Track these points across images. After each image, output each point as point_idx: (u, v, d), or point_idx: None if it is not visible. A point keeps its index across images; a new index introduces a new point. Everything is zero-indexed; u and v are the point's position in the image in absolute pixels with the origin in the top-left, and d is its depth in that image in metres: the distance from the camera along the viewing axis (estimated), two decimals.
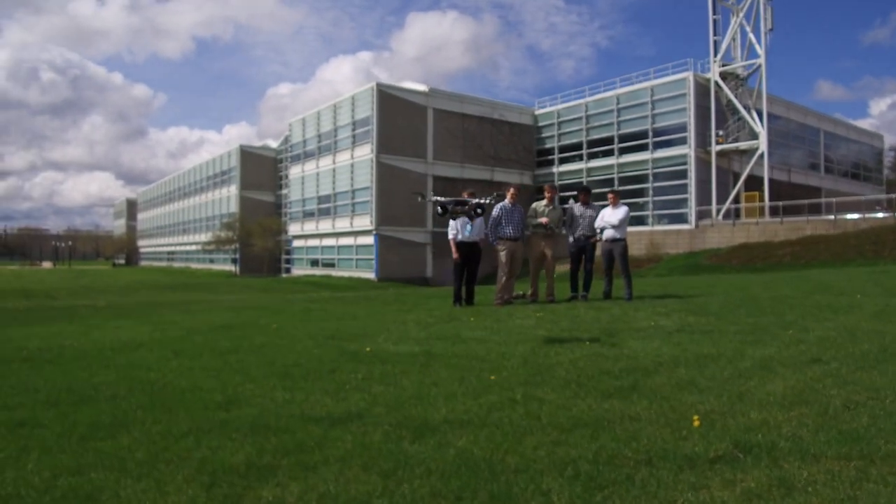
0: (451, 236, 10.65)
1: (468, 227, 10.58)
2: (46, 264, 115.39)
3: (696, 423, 3.63)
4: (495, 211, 10.88)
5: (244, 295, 27.65)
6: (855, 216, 36.83)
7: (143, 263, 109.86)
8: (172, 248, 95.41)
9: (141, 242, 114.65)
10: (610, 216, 10.91)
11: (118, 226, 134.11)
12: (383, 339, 6.91)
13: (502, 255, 10.74)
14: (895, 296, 10.52)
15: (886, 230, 32.42)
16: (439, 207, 7.49)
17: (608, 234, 10.90)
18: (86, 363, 6.09)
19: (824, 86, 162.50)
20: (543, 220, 10.96)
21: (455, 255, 10.55)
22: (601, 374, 4.89)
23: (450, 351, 6.04)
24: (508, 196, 10.94)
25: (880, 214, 37.02)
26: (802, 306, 9.15)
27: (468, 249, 10.61)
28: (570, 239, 11.24)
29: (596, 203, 11.59)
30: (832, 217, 37.55)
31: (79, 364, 6.05)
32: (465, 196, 10.74)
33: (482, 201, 7.60)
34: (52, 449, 3.44)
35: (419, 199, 6.41)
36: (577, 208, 11.29)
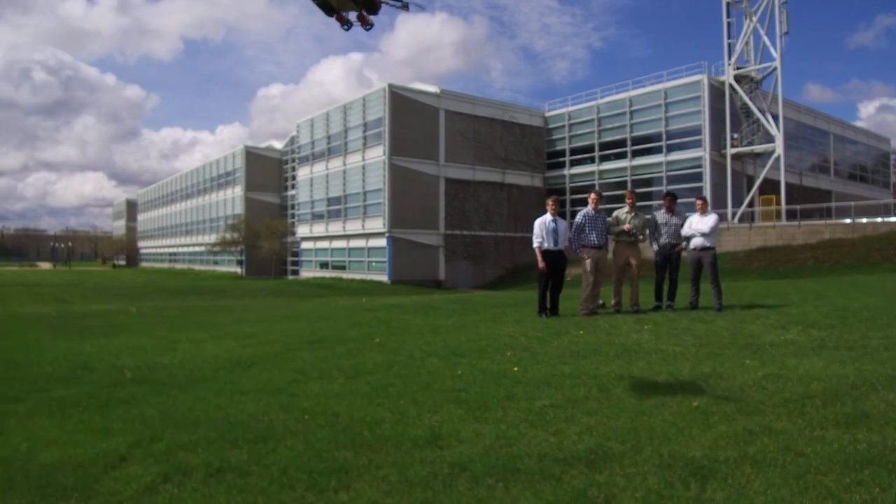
0: (536, 245, 10.26)
1: (554, 235, 10.19)
2: (44, 265, 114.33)
3: None
4: (578, 218, 10.55)
5: (269, 300, 27.14)
6: (877, 220, 36.60)
7: (144, 265, 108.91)
8: (174, 250, 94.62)
9: (141, 243, 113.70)
10: (699, 224, 10.58)
11: (118, 227, 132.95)
12: (513, 357, 6.54)
13: (587, 263, 10.38)
14: None
15: None
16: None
17: (697, 242, 10.56)
18: (212, 388, 5.68)
19: (813, 89, 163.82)
20: (626, 226, 10.62)
21: (541, 264, 10.15)
22: (804, 399, 4.56)
23: (605, 371, 5.69)
24: (591, 202, 10.59)
25: (894, 219, 36.82)
26: None
27: (554, 258, 10.21)
28: (655, 247, 10.87)
29: (679, 209, 11.25)
30: (849, 220, 37.34)
31: (205, 389, 5.65)
32: (549, 203, 10.46)
33: None
34: None
35: None
36: (661, 216, 10.97)
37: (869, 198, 50.67)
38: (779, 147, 41.92)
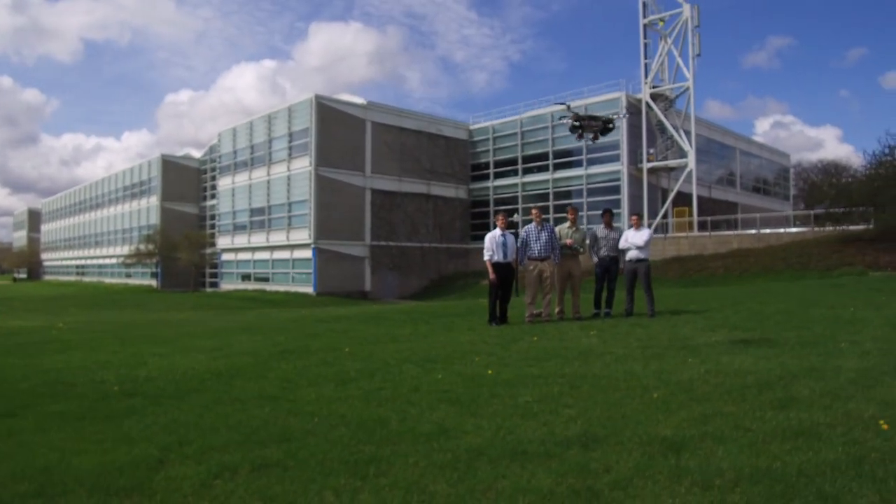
0: (486, 258, 10.98)
1: (503, 248, 10.93)
2: None
3: (885, 427, 4.15)
4: (522, 233, 11.31)
5: (201, 313, 26.81)
6: (779, 230, 39.50)
7: (48, 277, 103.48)
8: (83, 262, 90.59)
9: (45, 255, 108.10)
10: (634, 237, 11.53)
11: (18, 237, 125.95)
12: (482, 362, 7.17)
13: (531, 274, 11.15)
14: (879, 308, 11.56)
15: (809, 244, 34.94)
16: (575, 122, 8.15)
17: (633, 254, 11.51)
18: (208, 397, 5.84)
19: (712, 105, 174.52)
20: (568, 241, 11.47)
21: (492, 275, 10.88)
22: (742, 388, 5.41)
23: (569, 371, 6.42)
24: (534, 218, 11.36)
25: (794, 229, 39.93)
26: (814, 320, 10.03)
27: (503, 270, 10.95)
28: (595, 259, 11.78)
29: (616, 225, 12.21)
30: (755, 231, 40.12)
31: (202, 398, 5.81)
32: (499, 218, 11.19)
33: (612, 116, 8.31)
34: None
35: (563, 108, 6.92)
36: (600, 230, 11.89)
37: (771, 209, 54.46)
38: (691, 162, 44.56)
